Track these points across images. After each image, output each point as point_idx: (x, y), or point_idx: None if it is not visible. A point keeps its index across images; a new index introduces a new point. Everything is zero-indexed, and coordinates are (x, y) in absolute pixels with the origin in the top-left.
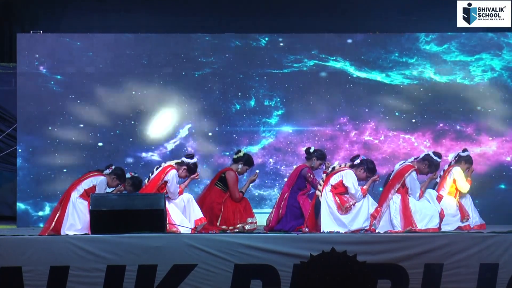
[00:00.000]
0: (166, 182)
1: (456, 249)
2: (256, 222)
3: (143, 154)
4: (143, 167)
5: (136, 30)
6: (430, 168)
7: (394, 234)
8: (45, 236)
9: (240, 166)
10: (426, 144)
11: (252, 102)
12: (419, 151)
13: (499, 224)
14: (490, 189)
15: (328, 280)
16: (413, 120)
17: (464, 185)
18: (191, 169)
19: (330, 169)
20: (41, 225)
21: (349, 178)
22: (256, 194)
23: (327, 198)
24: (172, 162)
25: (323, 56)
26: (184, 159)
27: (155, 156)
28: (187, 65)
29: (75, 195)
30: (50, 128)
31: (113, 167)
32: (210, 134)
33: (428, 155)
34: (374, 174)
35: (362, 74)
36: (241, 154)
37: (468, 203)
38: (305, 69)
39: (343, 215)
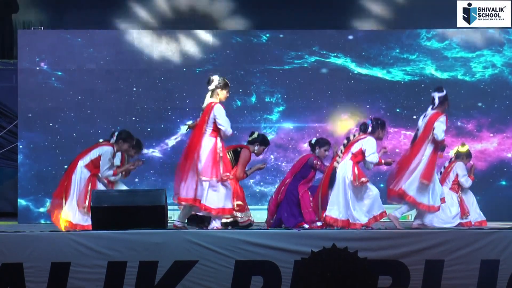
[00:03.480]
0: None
1: (457, 246)
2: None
3: (144, 151)
4: (144, 164)
5: (137, 26)
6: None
7: (395, 230)
8: (46, 232)
9: (256, 147)
10: None
11: (253, 99)
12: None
13: (500, 221)
14: (491, 186)
15: (329, 277)
16: (414, 117)
17: (466, 180)
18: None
19: (345, 141)
20: (42, 221)
21: (369, 143)
22: (257, 190)
23: (346, 166)
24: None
25: (324, 52)
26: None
27: (156, 153)
28: (188, 62)
29: (81, 164)
30: (51, 124)
31: (116, 133)
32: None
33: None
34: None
35: (363, 71)
36: (255, 135)
37: (470, 200)
38: (306, 65)
39: (355, 188)
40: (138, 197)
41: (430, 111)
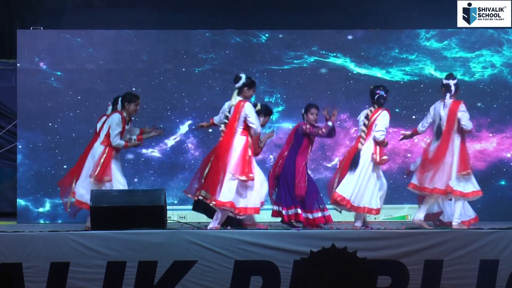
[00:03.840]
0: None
1: (456, 246)
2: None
3: (144, 151)
4: (143, 164)
5: (136, 26)
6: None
7: (394, 230)
8: (46, 232)
9: (261, 119)
10: (427, 140)
11: (252, 99)
12: (419, 147)
13: (499, 221)
14: (490, 186)
15: (328, 277)
16: (414, 117)
17: None
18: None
19: (362, 118)
20: (42, 221)
21: (382, 118)
22: None
23: (370, 147)
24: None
25: (324, 52)
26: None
27: (155, 153)
28: (187, 62)
29: (97, 144)
30: (50, 124)
31: (119, 98)
32: (210, 130)
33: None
34: None
35: (363, 71)
36: (258, 107)
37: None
38: (305, 65)
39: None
40: (137, 197)
41: (448, 100)
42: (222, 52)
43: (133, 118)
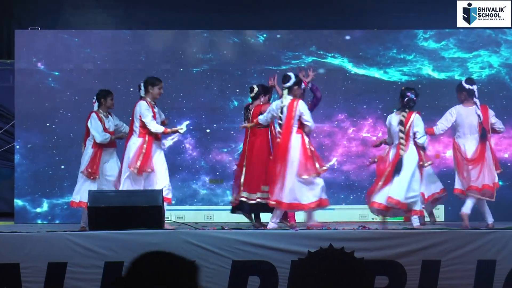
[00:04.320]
0: None
1: (453, 246)
2: None
3: None
4: None
5: (134, 26)
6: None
7: (391, 231)
8: (43, 232)
9: (262, 99)
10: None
11: (250, 99)
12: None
13: (496, 221)
14: None
15: (326, 277)
16: None
17: None
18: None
19: (395, 124)
20: (39, 221)
21: (419, 122)
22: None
23: (411, 152)
24: None
25: (321, 52)
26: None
27: None
28: (185, 62)
29: (132, 139)
30: (48, 124)
31: (141, 84)
32: (208, 130)
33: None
34: None
35: (360, 71)
36: (256, 89)
37: None
38: (303, 65)
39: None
40: (135, 197)
41: (478, 104)
42: (220, 52)
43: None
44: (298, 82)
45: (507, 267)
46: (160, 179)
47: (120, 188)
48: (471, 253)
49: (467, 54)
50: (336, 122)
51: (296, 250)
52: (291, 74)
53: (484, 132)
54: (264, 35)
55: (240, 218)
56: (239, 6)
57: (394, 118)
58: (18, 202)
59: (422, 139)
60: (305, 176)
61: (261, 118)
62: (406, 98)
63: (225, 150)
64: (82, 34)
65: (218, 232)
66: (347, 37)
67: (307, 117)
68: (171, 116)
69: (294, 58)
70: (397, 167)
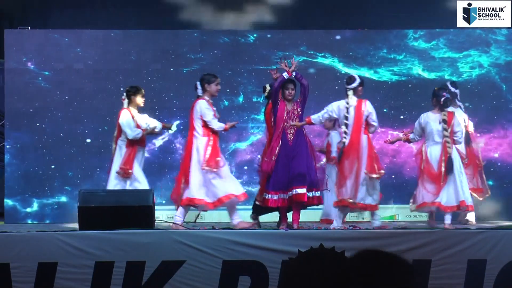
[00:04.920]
0: None
1: (444, 245)
2: None
3: None
4: None
5: (125, 26)
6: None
7: (382, 230)
8: (33, 232)
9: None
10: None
11: (241, 99)
12: (407, 147)
13: (486, 220)
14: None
15: (316, 276)
16: (402, 117)
17: None
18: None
19: (436, 123)
20: (29, 221)
21: (457, 120)
22: (244, 190)
23: (455, 150)
24: None
25: (312, 52)
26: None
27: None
28: (176, 62)
29: (197, 140)
30: (38, 124)
31: (197, 83)
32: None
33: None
34: None
35: (351, 71)
36: (268, 88)
37: None
38: None
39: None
40: (125, 197)
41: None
42: (211, 52)
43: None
44: (362, 82)
45: (497, 267)
46: (226, 176)
47: (195, 190)
48: (461, 252)
49: (457, 54)
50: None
51: (286, 250)
52: (356, 76)
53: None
54: (255, 35)
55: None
56: (229, 6)
57: (432, 117)
58: (8, 202)
59: (462, 139)
60: (373, 175)
61: (315, 118)
62: (443, 98)
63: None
64: (73, 34)
65: (208, 232)
66: (338, 37)
67: (375, 117)
68: (162, 116)
69: (284, 58)
70: (449, 166)
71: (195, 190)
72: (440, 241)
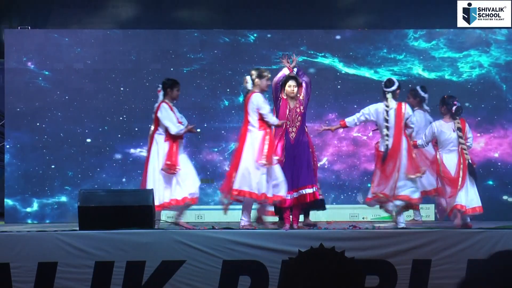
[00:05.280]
0: None
1: (444, 245)
2: None
3: (132, 150)
4: (132, 163)
5: (125, 26)
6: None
7: (382, 230)
8: (33, 232)
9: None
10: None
11: (241, 98)
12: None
13: (486, 220)
14: (478, 186)
15: (316, 276)
16: None
17: None
18: None
19: (450, 131)
20: (29, 221)
21: (469, 128)
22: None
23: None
24: None
25: (312, 52)
26: None
27: (143, 152)
28: (176, 61)
29: (253, 134)
30: (38, 124)
31: (247, 77)
32: (198, 130)
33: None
34: None
35: (351, 71)
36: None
37: None
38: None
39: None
40: (125, 197)
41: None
42: (211, 52)
43: (122, 118)
44: (399, 86)
45: None
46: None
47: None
48: (461, 252)
49: (457, 54)
50: (326, 122)
51: (286, 249)
52: (394, 79)
53: None
54: (255, 35)
55: (231, 217)
56: (229, 6)
57: (445, 126)
58: (8, 201)
59: (472, 145)
60: (412, 176)
61: (349, 121)
62: (455, 107)
63: (216, 149)
64: (73, 34)
65: (208, 232)
66: (338, 37)
67: (413, 120)
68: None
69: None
70: (470, 170)
71: (247, 182)
72: (440, 241)
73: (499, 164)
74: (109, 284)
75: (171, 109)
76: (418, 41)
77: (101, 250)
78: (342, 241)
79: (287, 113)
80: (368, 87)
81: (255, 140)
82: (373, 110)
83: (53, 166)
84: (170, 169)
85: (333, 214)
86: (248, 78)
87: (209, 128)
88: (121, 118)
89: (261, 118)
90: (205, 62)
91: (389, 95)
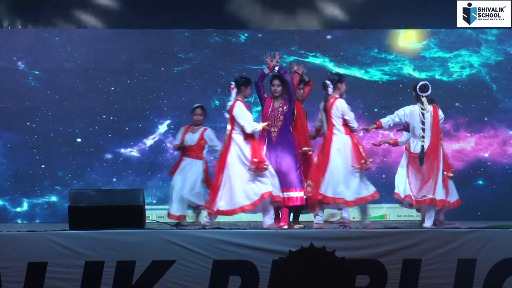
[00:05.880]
0: None
1: (434, 245)
2: None
3: (122, 150)
4: (122, 163)
5: (115, 25)
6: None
7: (372, 230)
8: (23, 232)
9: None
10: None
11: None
12: (397, 147)
13: (476, 220)
14: (468, 185)
15: (307, 276)
16: None
17: None
18: None
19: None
20: (19, 221)
21: None
22: None
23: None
24: None
25: (303, 52)
26: None
27: (134, 152)
28: (167, 61)
29: (340, 136)
30: (28, 123)
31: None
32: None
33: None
34: None
35: (341, 70)
36: None
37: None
38: (284, 65)
39: None
40: (116, 197)
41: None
42: (201, 52)
43: (113, 117)
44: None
45: (487, 266)
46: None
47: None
48: (451, 252)
49: (448, 54)
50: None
51: (277, 249)
52: (428, 83)
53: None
54: (246, 35)
55: (221, 217)
56: (220, 5)
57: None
58: None
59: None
60: (450, 174)
61: (384, 122)
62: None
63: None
64: (63, 33)
65: (199, 232)
66: (328, 37)
67: (442, 122)
68: (152, 115)
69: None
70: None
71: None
72: (430, 241)
73: (489, 164)
74: (99, 284)
75: (247, 108)
76: (409, 41)
77: (91, 250)
78: (333, 241)
79: (269, 112)
80: (359, 87)
81: (346, 145)
82: (408, 112)
83: (43, 166)
84: (258, 167)
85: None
86: (328, 82)
87: None
88: (111, 117)
89: (345, 123)
90: (195, 61)
91: (424, 99)
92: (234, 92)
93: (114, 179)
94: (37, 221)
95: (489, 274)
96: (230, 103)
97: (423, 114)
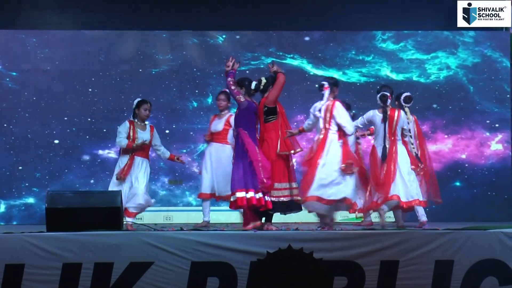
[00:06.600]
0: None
1: (411, 246)
2: None
3: (100, 152)
4: (100, 165)
5: (93, 27)
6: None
7: (350, 231)
8: (0, 234)
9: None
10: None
11: (209, 100)
12: None
13: (454, 221)
14: (446, 187)
15: (285, 277)
16: None
17: None
18: None
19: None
20: None
21: None
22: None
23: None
24: None
25: (281, 53)
26: None
27: (112, 154)
28: (144, 62)
29: (352, 139)
30: (5, 125)
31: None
32: (167, 131)
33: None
34: None
35: (319, 72)
36: (264, 81)
37: None
38: (262, 66)
39: None
40: (93, 199)
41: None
42: (179, 53)
43: (90, 119)
44: None
45: (464, 267)
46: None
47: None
48: (429, 253)
49: (425, 56)
50: (295, 123)
51: (255, 251)
52: (411, 95)
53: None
54: (224, 36)
55: (199, 219)
56: (198, 7)
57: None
58: None
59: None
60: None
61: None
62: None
63: (184, 150)
64: (40, 34)
65: (177, 233)
66: (306, 38)
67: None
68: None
69: (253, 59)
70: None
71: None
72: (408, 242)
73: (467, 165)
74: (77, 285)
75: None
76: (386, 42)
77: (68, 252)
78: (311, 242)
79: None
80: None
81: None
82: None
83: (20, 168)
84: (349, 169)
85: (302, 215)
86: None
87: (177, 129)
88: (89, 119)
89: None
90: (173, 63)
91: (407, 109)
92: (327, 92)
93: (92, 181)
94: (14, 222)
95: (467, 275)
96: (323, 103)
97: (408, 123)
